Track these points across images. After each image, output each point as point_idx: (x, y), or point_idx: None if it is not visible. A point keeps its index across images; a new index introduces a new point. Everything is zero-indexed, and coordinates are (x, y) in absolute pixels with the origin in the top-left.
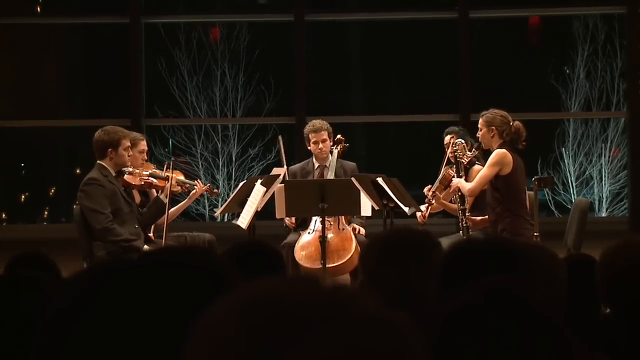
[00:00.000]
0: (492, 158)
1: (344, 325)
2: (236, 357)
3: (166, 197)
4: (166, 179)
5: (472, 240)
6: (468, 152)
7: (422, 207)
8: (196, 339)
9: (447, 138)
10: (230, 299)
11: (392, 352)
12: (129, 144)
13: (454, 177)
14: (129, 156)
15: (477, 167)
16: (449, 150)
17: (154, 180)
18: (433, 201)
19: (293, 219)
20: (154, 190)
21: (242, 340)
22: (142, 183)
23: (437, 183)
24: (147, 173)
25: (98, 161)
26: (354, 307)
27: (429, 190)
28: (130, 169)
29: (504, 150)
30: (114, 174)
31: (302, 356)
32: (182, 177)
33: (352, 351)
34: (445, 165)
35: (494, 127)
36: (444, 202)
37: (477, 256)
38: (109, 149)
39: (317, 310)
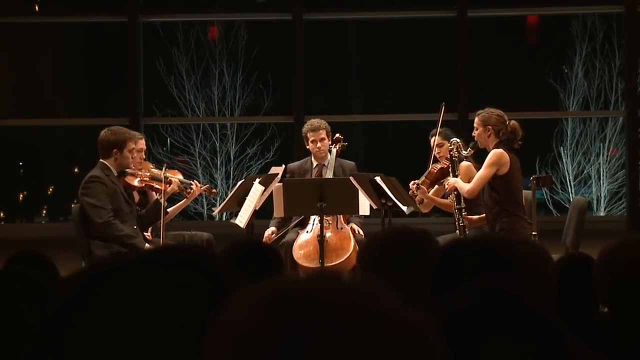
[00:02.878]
0: (489, 158)
1: (370, 326)
2: (258, 351)
3: (166, 200)
4: (168, 181)
5: (458, 243)
6: (464, 151)
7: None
8: (218, 331)
9: (433, 139)
10: (255, 291)
11: (417, 354)
12: (134, 145)
13: (448, 174)
14: (132, 158)
15: (465, 163)
16: (435, 150)
17: (155, 183)
18: (417, 193)
19: (273, 234)
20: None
21: (266, 334)
22: (143, 185)
23: (422, 177)
24: (149, 174)
25: (101, 160)
26: (381, 308)
27: (414, 184)
28: (132, 170)
29: (500, 150)
30: (115, 174)
31: (325, 355)
32: (180, 177)
33: (377, 353)
34: (433, 164)
35: (490, 127)
36: (434, 197)
37: (465, 258)
38: (114, 150)
39: (343, 309)
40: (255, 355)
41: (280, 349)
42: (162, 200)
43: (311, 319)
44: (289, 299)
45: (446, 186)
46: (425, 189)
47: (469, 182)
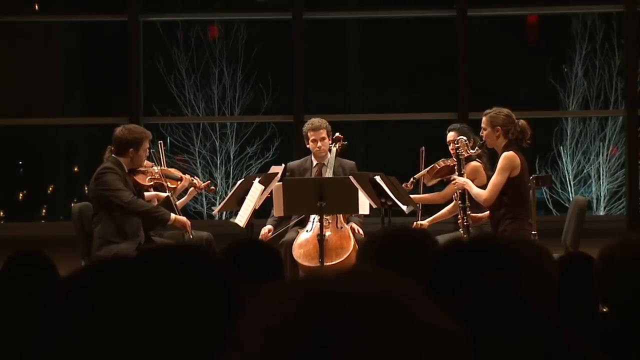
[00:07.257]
0: (501, 163)
1: (404, 331)
2: (286, 346)
3: (176, 197)
4: (179, 179)
5: (458, 243)
6: (471, 150)
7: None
8: (251, 319)
9: (450, 135)
10: (290, 286)
11: None
12: (148, 145)
13: (454, 171)
14: (146, 157)
15: (473, 163)
16: (450, 145)
17: (167, 181)
18: (410, 185)
19: (269, 232)
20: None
21: (296, 330)
22: (152, 183)
23: (423, 172)
24: (158, 172)
25: (114, 155)
26: (420, 315)
27: (412, 182)
28: (144, 168)
29: (511, 152)
30: (126, 171)
31: (354, 356)
32: (175, 172)
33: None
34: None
35: (499, 127)
36: (423, 197)
37: (465, 258)
38: (131, 149)
39: (381, 313)
40: (283, 349)
41: (309, 346)
42: (172, 197)
43: (349, 322)
44: (324, 296)
45: (454, 185)
46: (428, 181)
47: (473, 181)
